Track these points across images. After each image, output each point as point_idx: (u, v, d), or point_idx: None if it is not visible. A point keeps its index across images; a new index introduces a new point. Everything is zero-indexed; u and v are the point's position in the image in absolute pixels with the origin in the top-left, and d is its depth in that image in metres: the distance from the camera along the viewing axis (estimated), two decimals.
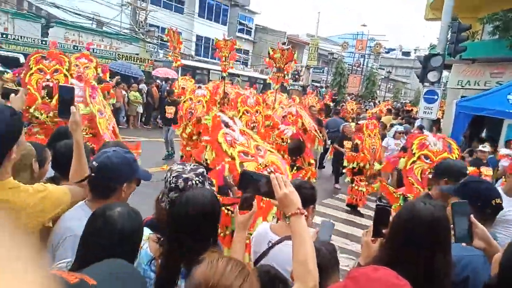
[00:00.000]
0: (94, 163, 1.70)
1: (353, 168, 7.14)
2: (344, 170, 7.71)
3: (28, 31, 17.60)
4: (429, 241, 1.47)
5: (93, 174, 1.68)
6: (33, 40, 17.09)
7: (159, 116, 14.17)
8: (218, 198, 1.58)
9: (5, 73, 8.39)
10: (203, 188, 1.64)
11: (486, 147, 6.85)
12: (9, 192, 1.47)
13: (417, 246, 1.46)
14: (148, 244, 1.58)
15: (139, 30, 23.12)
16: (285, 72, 8.43)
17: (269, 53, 8.57)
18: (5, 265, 0.33)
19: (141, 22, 23.72)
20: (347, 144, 7.79)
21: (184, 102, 6.86)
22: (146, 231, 1.55)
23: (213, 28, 28.24)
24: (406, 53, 43.84)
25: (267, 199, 1.69)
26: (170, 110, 9.59)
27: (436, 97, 9.66)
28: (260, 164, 2.75)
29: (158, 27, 25.69)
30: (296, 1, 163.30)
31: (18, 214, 1.47)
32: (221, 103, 9.57)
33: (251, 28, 34.30)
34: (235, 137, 2.83)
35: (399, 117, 13.86)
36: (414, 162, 3.69)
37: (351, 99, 25.86)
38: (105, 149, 1.82)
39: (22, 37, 17.01)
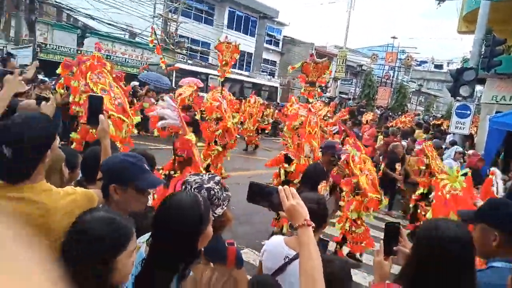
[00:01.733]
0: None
1: (422, 194, 6.22)
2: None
3: (65, 41, 18.52)
4: (452, 263, 1.42)
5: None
6: (69, 49, 17.95)
7: None
8: (200, 201, 1.52)
9: (45, 82, 8.79)
10: (187, 192, 1.62)
11: None
12: (43, 194, 1.55)
13: (440, 268, 1.42)
14: (145, 246, 1.60)
15: (169, 41, 23.76)
16: (319, 85, 8.24)
17: (302, 66, 8.34)
18: (6, 266, 0.32)
19: (172, 33, 24.38)
20: (399, 167, 7.15)
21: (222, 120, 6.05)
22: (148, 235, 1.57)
23: (241, 39, 28.70)
24: (439, 66, 42.74)
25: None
26: None
27: (468, 112, 9.39)
28: None
29: (187, 38, 26.35)
30: (325, 13, 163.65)
31: (50, 215, 1.54)
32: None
33: (279, 40, 34.57)
34: None
35: (430, 132, 13.47)
36: None
37: (380, 111, 25.40)
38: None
39: (59, 47, 17.92)
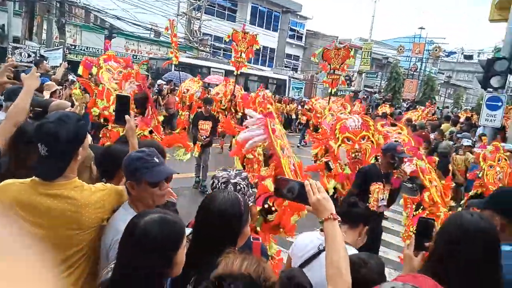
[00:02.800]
0: None
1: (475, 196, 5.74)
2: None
3: (93, 42, 19.09)
4: (475, 254, 1.40)
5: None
6: (97, 50, 18.50)
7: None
8: (241, 202, 1.58)
9: (74, 82, 9.07)
10: (228, 191, 1.66)
11: None
12: (75, 191, 1.64)
13: (462, 260, 1.41)
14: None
15: (193, 39, 24.02)
16: (341, 73, 8.05)
17: (322, 54, 8.04)
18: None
19: (195, 31, 24.63)
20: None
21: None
22: (187, 231, 1.60)
23: (263, 35, 28.61)
24: (469, 57, 40.94)
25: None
26: (205, 126, 7.01)
27: (500, 103, 9.02)
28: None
29: (211, 35, 26.55)
30: (349, 6, 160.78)
31: (82, 210, 1.62)
32: (228, 107, 9.25)
33: (302, 34, 34.23)
34: None
35: (459, 125, 13.03)
36: None
37: (407, 105, 24.76)
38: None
39: (87, 48, 18.52)
